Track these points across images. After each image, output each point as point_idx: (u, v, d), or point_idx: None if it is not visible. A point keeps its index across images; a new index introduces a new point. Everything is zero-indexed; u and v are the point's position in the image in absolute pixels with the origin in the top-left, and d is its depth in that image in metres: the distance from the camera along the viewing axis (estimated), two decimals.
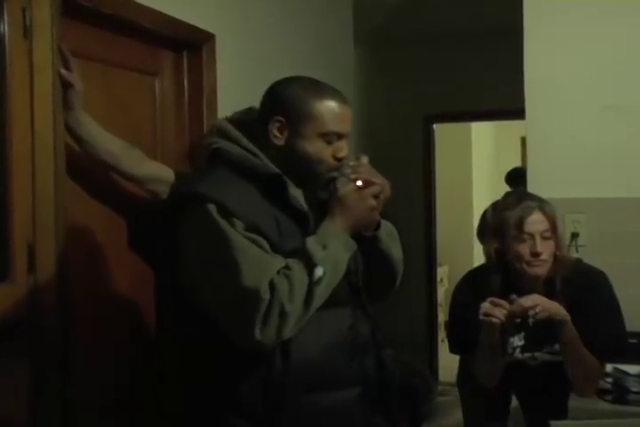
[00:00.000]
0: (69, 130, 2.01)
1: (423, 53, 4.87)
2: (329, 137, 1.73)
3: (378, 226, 1.82)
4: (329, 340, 1.72)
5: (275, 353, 1.66)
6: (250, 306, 1.60)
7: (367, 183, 1.73)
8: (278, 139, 1.74)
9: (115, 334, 2.25)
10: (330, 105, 1.72)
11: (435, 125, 5.10)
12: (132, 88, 2.42)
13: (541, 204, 2.32)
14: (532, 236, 2.27)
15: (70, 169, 2.00)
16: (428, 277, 5.08)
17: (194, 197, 1.66)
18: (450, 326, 2.48)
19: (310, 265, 1.64)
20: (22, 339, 1.85)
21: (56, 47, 1.91)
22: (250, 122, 1.83)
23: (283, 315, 1.60)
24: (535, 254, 2.26)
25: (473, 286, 2.38)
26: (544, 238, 2.28)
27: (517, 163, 6.19)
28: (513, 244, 2.28)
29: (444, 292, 5.57)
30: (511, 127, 5.41)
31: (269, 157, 1.75)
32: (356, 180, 1.73)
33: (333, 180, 1.76)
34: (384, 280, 1.91)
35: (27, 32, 1.85)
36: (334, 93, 1.75)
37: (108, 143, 2.06)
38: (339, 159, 1.75)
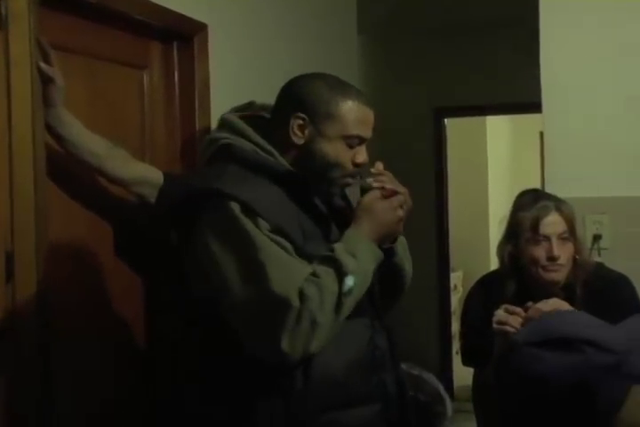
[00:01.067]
0: (50, 129, 2.00)
1: (433, 43, 4.86)
2: (351, 140, 1.76)
3: (395, 238, 1.85)
4: (351, 354, 1.73)
5: (296, 370, 1.65)
6: (279, 314, 1.59)
7: (391, 193, 1.76)
8: (298, 137, 1.75)
9: (100, 345, 2.24)
10: (356, 107, 1.76)
11: (446, 120, 5.09)
12: (117, 83, 2.41)
13: (558, 204, 2.31)
14: (548, 238, 2.26)
15: (51, 171, 2.00)
16: (440, 284, 5.06)
17: (213, 195, 1.66)
18: (462, 336, 2.46)
19: (341, 274, 1.65)
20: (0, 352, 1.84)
21: (34, 39, 1.90)
22: (261, 118, 1.85)
23: (314, 325, 1.60)
24: (552, 258, 2.24)
25: (486, 292, 2.37)
26: (562, 241, 2.26)
27: (536, 159, 6.18)
28: (528, 247, 2.27)
29: (457, 299, 5.56)
30: (529, 121, 5.40)
31: (283, 156, 1.77)
32: (381, 189, 1.76)
33: (349, 186, 1.79)
34: (391, 293, 1.94)
35: (2, 22, 1.84)
36: (360, 95, 1.79)
37: (92, 143, 2.06)
38: (357, 165, 1.78)
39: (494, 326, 2.10)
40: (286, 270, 1.61)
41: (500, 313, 2.11)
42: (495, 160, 6.78)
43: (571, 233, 2.29)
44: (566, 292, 2.27)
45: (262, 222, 1.64)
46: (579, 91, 2.90)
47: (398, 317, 2.12)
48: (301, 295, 1.60)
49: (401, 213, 1.77)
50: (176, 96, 2.63)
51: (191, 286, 1.73)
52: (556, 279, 2.27)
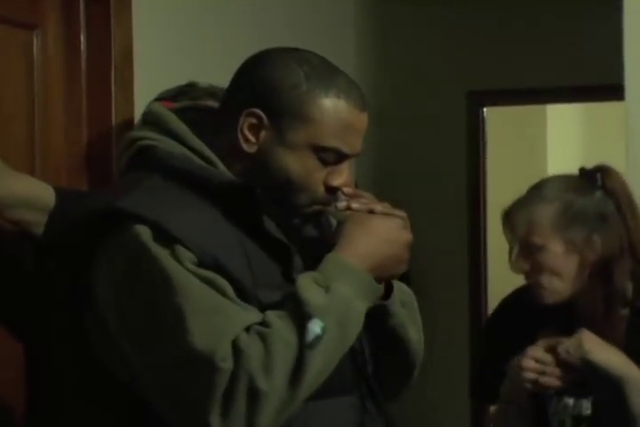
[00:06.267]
0: None
1: (468, 2, 4.87)
2: (327, 154, 1.78)
3: (388, 293, 1.85)
4: None
5: None
6: (203, 380, 1.61)
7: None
8: (249, 143, 1.77)
9: None
10: (341, 107, 1.77)
11: (485, 109, 5.10)
12: None
13: None
14: None
15: None
16: (473, 354, 5.04)
17: (114, 217, 1.69)
18: (480, 367, 2.64)
19: (301, 317, 1.65)
20: None
21: None
22: (203, 111, 1.89)
23: (254, 395, 1.61)
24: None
25: (523, 309, 2.47)
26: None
27: (621, 162, 6.18)
28: None
29: None
30: (612, 112, 5.40)
31: (229, 167, 1.79)
32: (371, 212, 1.80)
33: (319, 215, 1.82)
34: (395, 370, 1.95)
35: None
36: (351, 89, 1.80)
37: None
38: (331, 189, 1.80)
39: (527, 384, 2.28)
40: (216, 318, 1.64)
41: (526, 365, 2.27)
42: (559, 164, 6.77)
43: None
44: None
45: (184, 252, 1.65)
46: None
47: (420, 386, 2.14)
48: (236, 352, 1.62)
49: (410, 235, 1.81)
50: (82, 71, 2.65)
51: (95, 350, 1.76)
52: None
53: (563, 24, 4.66)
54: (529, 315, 2.44)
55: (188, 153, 1.79)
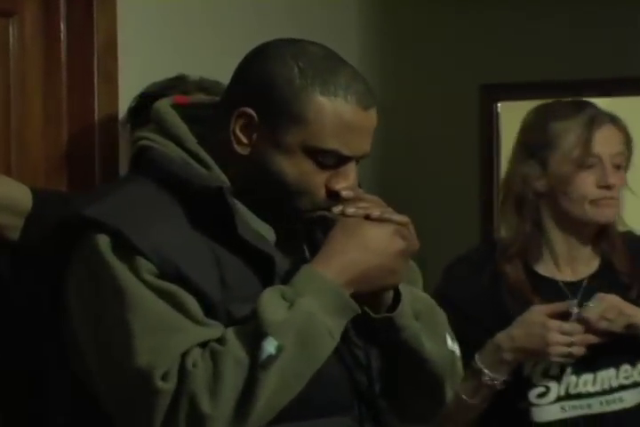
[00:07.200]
0: None
1: None
2: (325, 157, 1.77)
3: (394, 304, 1.82)
4: None
5: None
6: (141, 402, 1.63)
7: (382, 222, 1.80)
8: (242, 145, 1.78)
9: None
10: (339, 105, 1.75)
11: (500, 104, 5.07)
12: None
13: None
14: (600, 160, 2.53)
15: None
16: None
17: (78, 225, 1.71)
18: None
19: (257, 335, 1.64)
20: None
21: None
22: (204, 109, 1.90)
23: (197, 419, 1.60)
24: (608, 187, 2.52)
25: (480, 275, 2.57)
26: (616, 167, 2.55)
27: None
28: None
29: None
30: (635, 105, 5.37)
31: (226, 170, 1.80)
32: (367, 217, 1.79)
33: (321, 220, 1.80)
34: (418, 389, 1.91)
35: None
36: (354, 85, 1.78)
37: None
38: (333, 193, 1.79)
39: (554, 358, 2.39)
40: (163, 335, 1.64)
41: (559, 329, 2.37)
42: None
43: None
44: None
45: (144, 264, 1.67)
46: None
47: None
48: (181, 371, 1.62)
49: (402, 243, 1.77)
50: (62, 62, 2.67)
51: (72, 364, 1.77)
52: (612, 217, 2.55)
53: (581, 14, 4.64)
54: (488, 280, 2.55)
55: (185, 156, 1.78)
